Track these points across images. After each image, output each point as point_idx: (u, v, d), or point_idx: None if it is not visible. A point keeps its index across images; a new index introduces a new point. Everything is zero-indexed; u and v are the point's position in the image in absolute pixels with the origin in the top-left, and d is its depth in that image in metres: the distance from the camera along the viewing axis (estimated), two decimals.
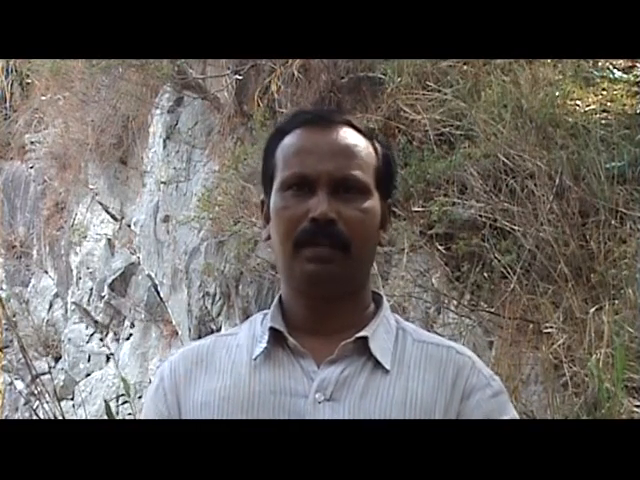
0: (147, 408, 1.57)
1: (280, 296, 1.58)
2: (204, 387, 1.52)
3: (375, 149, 1.57)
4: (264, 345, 1.52)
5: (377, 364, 1.50)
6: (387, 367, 1.50)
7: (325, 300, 1.52)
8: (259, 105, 5.68)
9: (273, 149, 1.57)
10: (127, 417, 5.68)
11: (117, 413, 7.27)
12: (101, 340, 7.75)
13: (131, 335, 7.39)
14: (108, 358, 7.65)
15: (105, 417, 6.65)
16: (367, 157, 1.54)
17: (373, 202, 1.53)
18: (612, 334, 3.36)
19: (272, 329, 1.52)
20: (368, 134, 1.57)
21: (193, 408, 1.51)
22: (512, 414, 1.52)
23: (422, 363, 1.51)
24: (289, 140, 1.55)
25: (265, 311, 1.58)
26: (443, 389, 1.49)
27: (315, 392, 1.47)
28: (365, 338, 1.51)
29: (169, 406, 1.53)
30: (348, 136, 1.54)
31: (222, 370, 1.53)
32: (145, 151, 7.27)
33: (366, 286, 1.57)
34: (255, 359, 1.51)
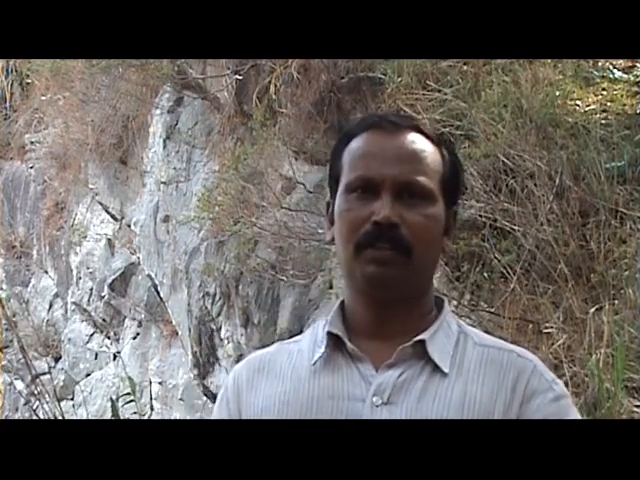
0: (213, 416, 1.59)
1: (342, 301, 1.58)
2: (265, 392, 1.53)
3: (442, 155, 1.55)
4: (322, 350, 1.52)
5: (436, 368, 1.49)
6: (445, 370, 1.49)
7: (385, 303, 1.52)
8: (258, 105, 5.68)
9: (340, 152, 1.57)
10: (130, 417, 5.68)
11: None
12: (108, 338, 7.75)
13: (138, 335, 7.39)
14: (114, 357, 7.65)
15: (108, 416, 6.64)
16: (433, 163, 1.53)
17: (437, 208, 1.52)
18: (612, 334, 3.36)
19: (330, 334, 1.53)
20: (436, 139, 1.56)
21: (254, 413, 1.52)
22: (576, 418, 1.51)
23: (482, 366, 1.50)
24: (356, 143, 1.55)
25: (328, 316, 1.58)
26: (502, 392, 1.48)
27: (372, 396, 1.47)
28: (423, 342, 1.50)
29: (231, 414, 1.55)
30: (415, 141, 1.53)
31: (282, 375, 1.54)
32: (145, 151, 7.27)
33: (428, 291, 1.57)
34: (314, 364, 1.52)
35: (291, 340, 1.63)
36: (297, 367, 1.54)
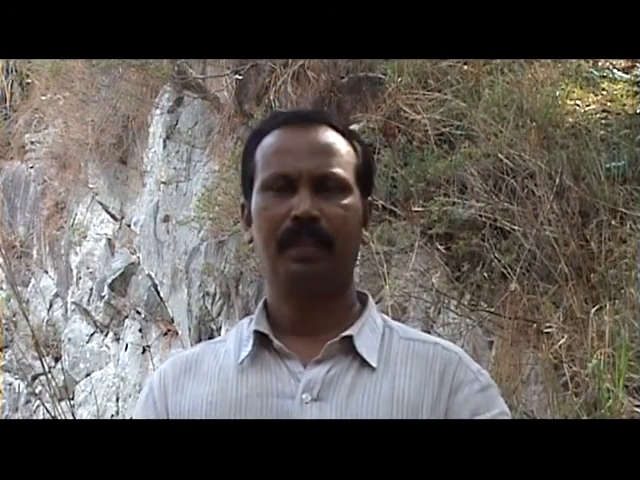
0: (137, 416, 1.57)
1: (265, 299, 1.58)
2: (191, 393, 1.52)
3: (354, 146, 1.57)
4: (249, 349, 1.52)
5: (363, 362, 1.50)
6: (373, 364, 1.49)
7: (309, 300, 1.52)
8: (259, 105, 5.68)
9: (252, 151, 1.56)
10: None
11: (118, 413, 7.27)
12: (107, 337, 7.74)
13: (138, 334, 7.39)
14: (114, 357, 7.64)
15: (108, 416, 6.62)
16: (347, 154, 1.54)
17: (354, 199, 1.53)
18: (613, 334, 3.36)
19: (257, 332, 1.52)
20: (346, 132, 1.58)
21: (180, 414, 1.51)
22: (501, 408, 1.52)
23: (409, 360, 1.51)
24: (268, 141, 1.55)
25: (252, 315, 1.58)
26: (430, 386, 1.49)
27: (302, 393, 1.47)
28: (350, 337, 1.51)
29: (158, 415, 1.53)
30: (327, 134, 1.54)
31: (209, 376, 1.53)
32: (145, 151, 7.27)
33: (350, 285, 1.57)
34: (241, 363, 1.51)
35: (217, 339, 1.62)
36: (224, 367, 1.53)
